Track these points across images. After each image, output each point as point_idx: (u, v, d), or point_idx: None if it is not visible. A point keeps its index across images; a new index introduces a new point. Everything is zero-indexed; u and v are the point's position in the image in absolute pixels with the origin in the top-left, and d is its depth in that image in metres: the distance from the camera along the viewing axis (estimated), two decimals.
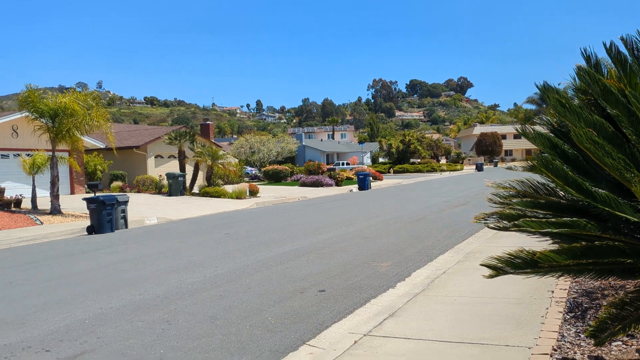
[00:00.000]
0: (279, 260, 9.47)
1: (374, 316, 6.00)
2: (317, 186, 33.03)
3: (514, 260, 3.43)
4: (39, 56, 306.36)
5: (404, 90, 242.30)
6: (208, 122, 44.32)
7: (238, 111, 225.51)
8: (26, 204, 19.70)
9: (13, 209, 18.74)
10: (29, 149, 21.95)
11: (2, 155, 24.55)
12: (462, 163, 70.77)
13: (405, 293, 6.96)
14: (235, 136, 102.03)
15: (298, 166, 48.44)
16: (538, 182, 3.73)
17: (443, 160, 73.58)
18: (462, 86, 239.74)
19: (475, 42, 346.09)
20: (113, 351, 5.08)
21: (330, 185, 33.56)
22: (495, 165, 71.54)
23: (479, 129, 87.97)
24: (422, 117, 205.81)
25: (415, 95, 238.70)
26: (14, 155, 23.93)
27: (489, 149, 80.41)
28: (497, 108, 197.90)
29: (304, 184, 34.00)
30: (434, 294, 6.79)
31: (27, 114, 18.60)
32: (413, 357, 4.66)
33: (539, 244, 4.08)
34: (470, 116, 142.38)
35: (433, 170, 57.83)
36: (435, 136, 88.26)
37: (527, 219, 3.37)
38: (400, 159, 63.29)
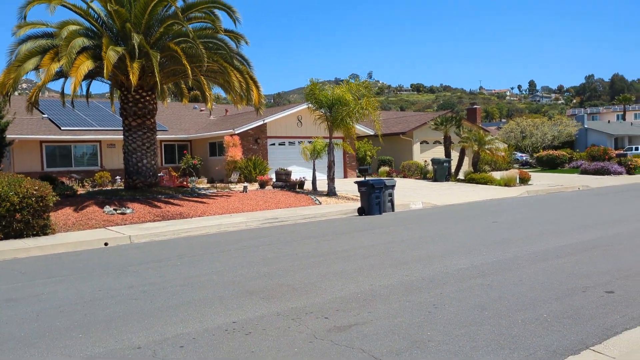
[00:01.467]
0: (556, 254, 8.52)
1: None
2: (602, 174, 29.09)
3: None
4: (317, 52, 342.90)
5: None
6: (475, 106, 43.10)
7: (508, 93, 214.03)
8: (307, 186, 22.22)
9: (297, 189, 21.35)
10: (310, 137, 24.72)
11: (289, 142, 28.28)
12: None
13: None
14: (504, 120, 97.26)
15: (578, 151, 43.47)
16: None
17: None
18: None
19: None
20: (383, 326, 5.21)
21: (620, 173, 29.20)
22: None
23: None
24: None
25: None
26: (298, 142, 27.28)
27: None
28: None
29: (585, 172, 30.33)
30: None
31: (310, 105, 20.95)
32: None
33: None
34: None
35: None
36: None
37: None
38: None
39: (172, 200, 16.76)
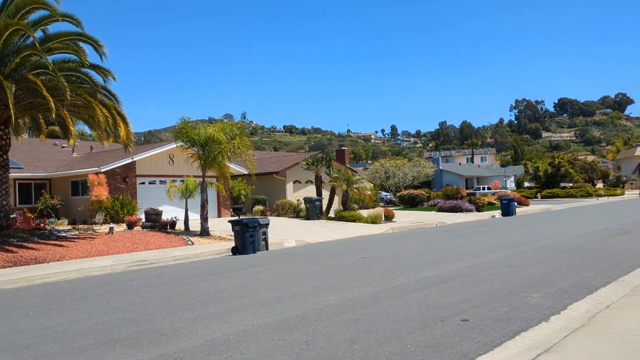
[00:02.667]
0: (418, 287, 9.12)
1: (526, 350, 5.47)
2: (456, 211, 31.84)
3: None
4: (191, 90, 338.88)
5: (552, 109, 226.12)
6: (343, 148, 45.24)
7: (372, 137, 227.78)
8: (180, 226, 21.53)
9: (169, 230, 20.59)
10: (182, 175, 24.10)
11: (160, 181, 27.27)
12: (622, 187, 63.85)
13: (561, 327, 6.27)
14: (370, 161, 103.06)
15: (435, 191, 47.27)
16: None
17: (600, 184, 67.03)
18: (620, 103, 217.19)
19: (635, 50, 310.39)
20: None
21: (470, 210, 32.15)
22: None
23: None
24: (574, 138, 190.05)
25: (565, 115, 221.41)
26: (171, 181, 26.43)
27: None
28: None
29: (441, 209, 33.00)
30: (596, 330, 6.01)
31: (182, 143, 20.55)
32: None
33: None
34: (631, 135, 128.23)
35: (588, 195, 52.90)
36: (590, 158, 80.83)
37: None
38: (548, 183, 58.92)
39: (26, 244, 15.26)
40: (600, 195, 53.00)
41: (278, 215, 29.29)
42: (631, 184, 72.83)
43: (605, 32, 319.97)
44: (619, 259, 11.54)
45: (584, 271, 10.19)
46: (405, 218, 27.86)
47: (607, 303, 7.34)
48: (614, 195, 55.13)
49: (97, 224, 23.10)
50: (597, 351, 5.27)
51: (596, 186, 62.59)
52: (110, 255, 15.06)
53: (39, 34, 16.14)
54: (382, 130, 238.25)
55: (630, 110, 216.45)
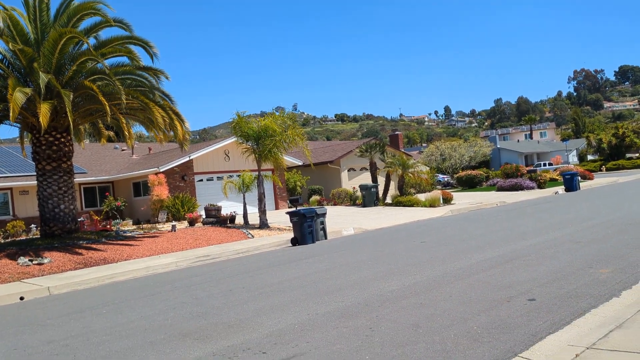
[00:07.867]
0: (480, 268, 8.90)
1: (597, 327, 5.25)
2: (517, 190, 30.86)
3: None
4: (241, 85, 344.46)
5: (612, 78, 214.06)
6: (397, 133, 44.73)
7: (426, 119, 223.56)
8: (239, 220, 21.96)
9: (229, 224, 21.04)
10: (238, 170, 24.51)
11: (217, 177, 27.88)
12: None
13: (633, 302, 6.01)
14: (424, 144, 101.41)
15: (493, 170, 45.97)
16: None
17: None
18: None
19: None
20: (322, 355, 5.20)
21: (532, 188, 31.07)
22: None
23: None
24: (638, 107, 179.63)
25: (627, 83, 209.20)
26: (228, 176, 26.94)
27: None
28: None
29: (501, 188, 32.05)
30: None
31: (236, 138, 20.90)
32: None
33: None
34: None
35: None
36: None
37: None
38: (613, 155, 56.11)
39: (94, 246, 15.98)
40: None
41: (334, 204, 29.35)
42: None
43: None
44: None
45: None
46: (464, 200, 27.26)
47: None
48: None
49: (160, 222, 23.92)
50: None
51: None
52: (174, 252, 15.55)
53: (91, 40, 16.72)
54: (436, 112, 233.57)
55: None
